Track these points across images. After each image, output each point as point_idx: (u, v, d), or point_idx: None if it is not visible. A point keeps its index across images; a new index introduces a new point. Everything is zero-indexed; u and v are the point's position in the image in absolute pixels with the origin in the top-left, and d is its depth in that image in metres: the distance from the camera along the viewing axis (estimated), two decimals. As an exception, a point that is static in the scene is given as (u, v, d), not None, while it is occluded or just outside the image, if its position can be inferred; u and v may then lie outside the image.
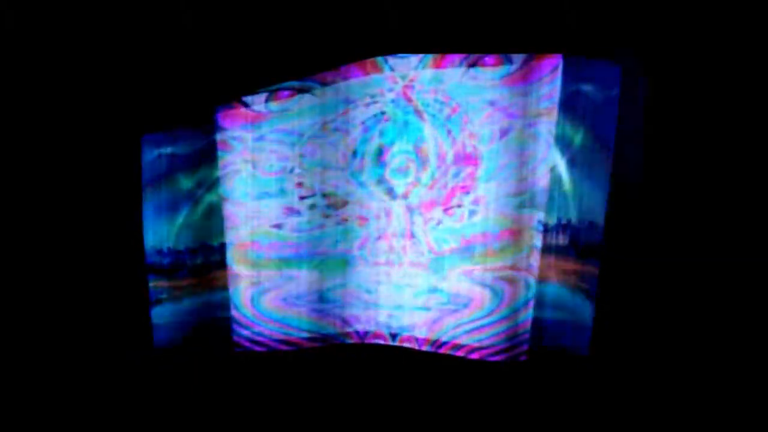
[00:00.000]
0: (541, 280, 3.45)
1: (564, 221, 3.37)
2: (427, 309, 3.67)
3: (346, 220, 3.74)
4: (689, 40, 3.01)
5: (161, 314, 3.82)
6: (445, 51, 3.44)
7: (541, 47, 3.28)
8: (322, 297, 3.80)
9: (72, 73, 3.48)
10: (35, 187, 3.52)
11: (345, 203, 3.73)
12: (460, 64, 3.43)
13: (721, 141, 3.04)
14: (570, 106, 3.30)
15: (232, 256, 3.86)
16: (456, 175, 3.54)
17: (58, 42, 3.38)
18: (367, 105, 3.64)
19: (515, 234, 3.47)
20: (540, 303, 3.47)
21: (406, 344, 3.73)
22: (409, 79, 3.55)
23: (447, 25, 3.34)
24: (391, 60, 3.56)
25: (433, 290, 3.65)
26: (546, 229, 3.41)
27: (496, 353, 3.54)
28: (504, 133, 3.43)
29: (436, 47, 3.43)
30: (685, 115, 3.08)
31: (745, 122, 3.00)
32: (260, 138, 3.77)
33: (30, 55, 3.41)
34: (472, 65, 3.41)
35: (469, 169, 3.52)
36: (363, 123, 3.66)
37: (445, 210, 3.58)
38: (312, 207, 3.76)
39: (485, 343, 3.56)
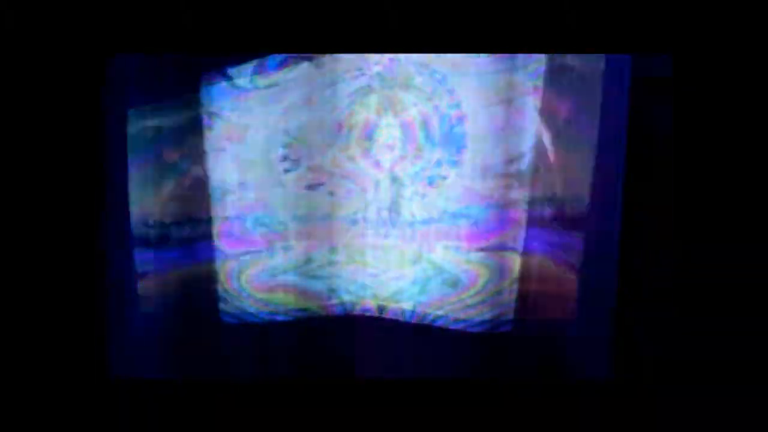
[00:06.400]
0: (526, 252, 3.50)
1: (549, 194, 3.43)
2: (414, 279, 3.71)
3: (332, 192, 3.74)
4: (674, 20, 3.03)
5: (148, 286, 3.82)
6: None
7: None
8: (308, 269, 3.81)
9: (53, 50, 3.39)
10: (23, 173, 3.43)
11: (331, 175, 3.73)
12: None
13: (706, 115, 3.08)
14: (556, 78, 3.34)
15: (216, 230, 3.85)
16: (442, 147, 3.57)
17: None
18: (354, 78, 3.63)
19: (500, 207, 3.53)
20: (524, 276, 3.53)
21: (392, 317, 3.75)
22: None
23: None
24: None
25: (419, 261, 3.69)
26: (530, 202, 3.47)
27: (480, 324, 3.60)
28: (490, 106, 3.46)
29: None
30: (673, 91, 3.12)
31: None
32: (245, 112, 3.74)
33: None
34: None
35: (454, 143, 3.55)
36: (349, 96, 3.66)
37: (430, 183, 3.60)
38: (297, 180, 3.75)
39: (470, 314, 3.62)
